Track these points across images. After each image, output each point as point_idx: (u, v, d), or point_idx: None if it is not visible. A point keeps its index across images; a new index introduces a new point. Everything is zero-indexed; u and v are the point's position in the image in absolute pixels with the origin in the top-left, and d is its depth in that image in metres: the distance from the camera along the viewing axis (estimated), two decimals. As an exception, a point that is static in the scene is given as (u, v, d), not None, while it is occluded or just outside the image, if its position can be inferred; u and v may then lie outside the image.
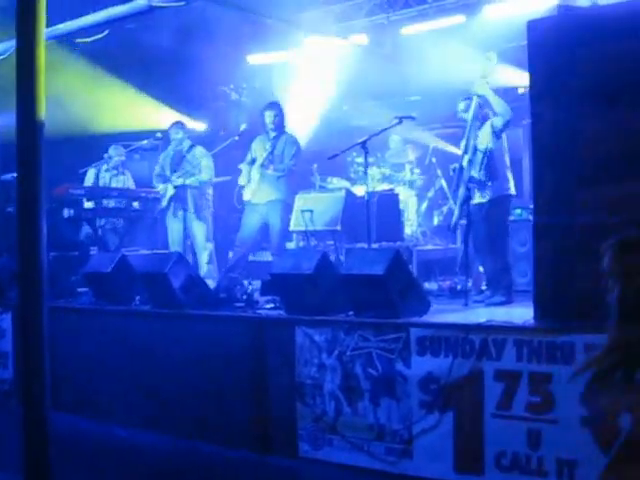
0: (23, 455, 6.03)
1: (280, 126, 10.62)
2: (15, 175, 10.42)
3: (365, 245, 8.95)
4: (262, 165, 10.44)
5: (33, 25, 4.79)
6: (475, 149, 8.36)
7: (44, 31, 4.73)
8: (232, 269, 10.13)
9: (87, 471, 7.15)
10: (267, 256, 11.07)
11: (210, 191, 11.60)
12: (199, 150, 11.56)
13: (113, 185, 12.16)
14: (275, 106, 10.73)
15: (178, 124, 11.81)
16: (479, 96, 8.39)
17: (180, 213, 11.26)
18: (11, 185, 10.98)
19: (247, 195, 10.58)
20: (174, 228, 11.37)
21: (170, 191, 11.34)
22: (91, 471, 7.21)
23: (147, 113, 14.12)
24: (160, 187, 11.50)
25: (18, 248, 6.02)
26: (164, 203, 11.35)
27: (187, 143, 11.61)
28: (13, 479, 6.98)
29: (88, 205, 11.12)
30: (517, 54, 9.99)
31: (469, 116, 8.51)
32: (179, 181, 11.31)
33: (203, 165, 11.42)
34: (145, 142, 12.68)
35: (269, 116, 10.58)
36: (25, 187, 5.61)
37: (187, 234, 11.37)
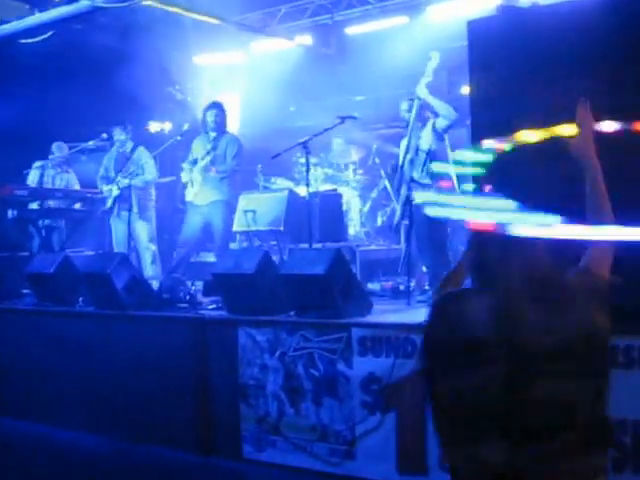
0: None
1: (221, 126, 10.58)
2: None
3: (307, 245, 8.97)
4: (204, 167, 10.41)
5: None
6: (417, 149, 8.39)
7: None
8: (175, 269, 10.09)
9: (27, 474, 7.11)
10: (211, 257, 11.04)
11: (153, 191, 11.53)
12: (142, 150, 11.48)
13: (57, 183, 12.08)
14: (217, 106, 10.69)
15: (119, 126, 11.74)
16: (419, 98, 8.44)
17: (124, 214, 11.14)
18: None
19: (189, 196, 10.54)
20: (118, 229, 11.26)
21: (115, 192, 11.25)
22: (31, 474, 7.16)
23: (93, 114, 14.03)
24: (105, 188, 11.43)
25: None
26: (109, 204, 11.27)
27: (130, 144, 11.53)
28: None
29: (32, 206, 11.08)
30: (461, 54, 10.08)
31: (412, 116, 8.55)
32: (124, 182, 11.23)
33: (146, 165, 11.35)
34: (91, 143, 12.58)
35: (210, 115, 10.56)
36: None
37: (131, 234, 11.30)
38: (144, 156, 11.42)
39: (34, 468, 7.31)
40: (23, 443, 8.00)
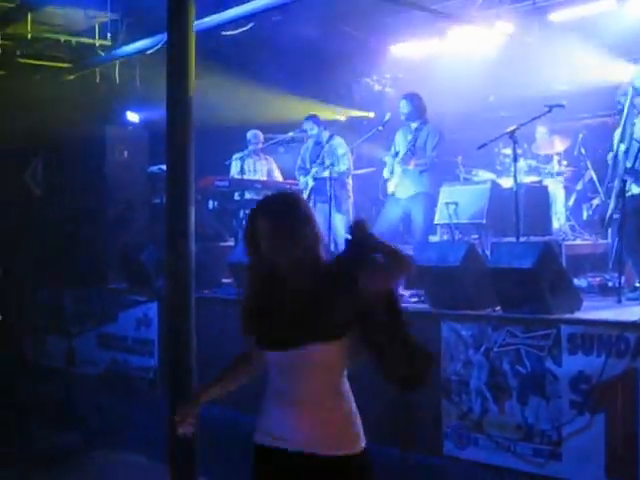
0: (169, 443, 6.11)
1: (414, 116, 10.44)
2: (161, 167, 10.66)
3: (511, 239, 8.75)
4: (402, 160, 10.32)
5: (184, 18, 4.80)
6: (631, 138, 8.03)
7: (194, 24, 4.73)
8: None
9: (231, 462, 7.18)
10: (409, 250, 10.93)
11: (350, 182, 11.50)
12: (337, 141, 11.48)
13: (258, 170, 12.28)
14: (407, 97, 10.59)
15: (311, 119, 11.79)
16: (634, 85, 8.08)
17: (320, 206, 11.18)
18: (157, 177, 11.21)
19: (391, 188, 10.48)
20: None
21: (310, 183, 11.34)
22: (235, 462, 7.23)
23: (291, 106, 14.18)
24: (301, 180, 11.52)
25: (167, 239, 6.08)
26: (305, 195, 11.34)
27: (326, 134, 11.58)
28: (157, 466, 7.12)
29: (232, 197, 11.25)
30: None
31: (626, 104, 8.19)
32: (319, 173, 11.28)
33: (340, 155, 11.34)
34: (290, 134, 12.71)
35: (402, 106, 10.49)
36: (175, 180, 5.66)
37: (330, 226, 11.29)
38: (338, 146, 11.42)
39: (229, 451, 7.39)
40: (217, 427, 8.09)
